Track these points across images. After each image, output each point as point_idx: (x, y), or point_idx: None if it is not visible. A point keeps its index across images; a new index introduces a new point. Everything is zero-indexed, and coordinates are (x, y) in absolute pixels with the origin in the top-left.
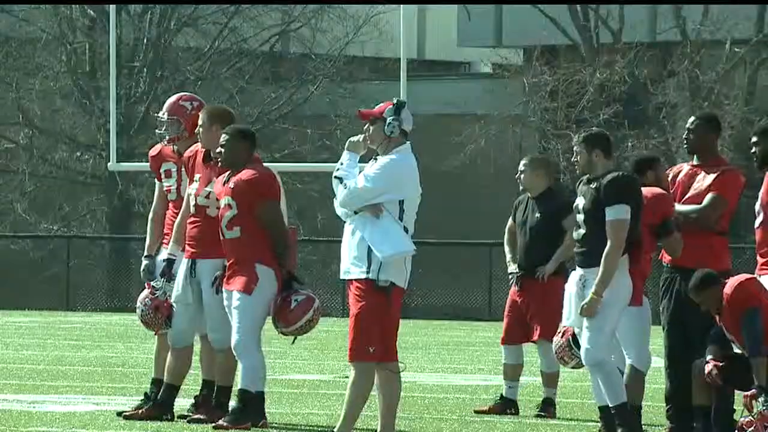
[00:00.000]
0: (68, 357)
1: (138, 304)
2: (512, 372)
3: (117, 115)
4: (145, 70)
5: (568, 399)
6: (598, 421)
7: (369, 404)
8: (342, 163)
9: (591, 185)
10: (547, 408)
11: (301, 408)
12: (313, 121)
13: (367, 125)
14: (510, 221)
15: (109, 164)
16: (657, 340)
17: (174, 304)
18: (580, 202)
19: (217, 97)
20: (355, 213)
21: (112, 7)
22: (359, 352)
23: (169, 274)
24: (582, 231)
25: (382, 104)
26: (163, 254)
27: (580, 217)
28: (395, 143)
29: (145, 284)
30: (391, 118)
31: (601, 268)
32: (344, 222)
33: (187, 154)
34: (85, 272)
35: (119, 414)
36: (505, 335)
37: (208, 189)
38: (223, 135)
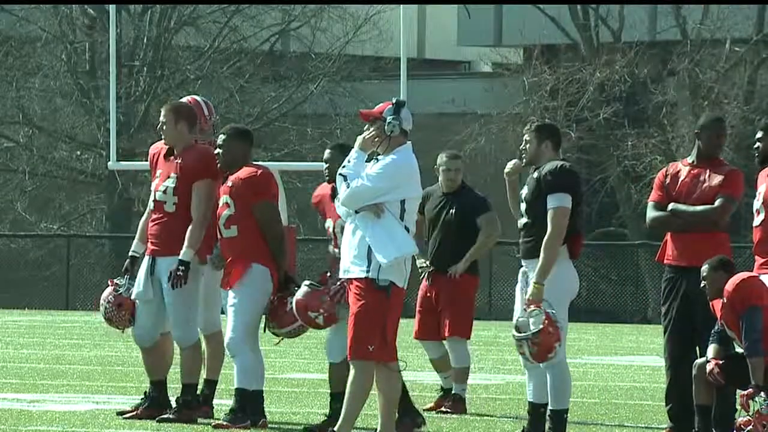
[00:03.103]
0: (68, 356)
1: (101, 301)
2: (442, 365)
3: (117, 115)
4: (145, 69)
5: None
6: (600, 423)
7: (369, 403)
8: (349, 161)
9: (533, 175)
10: (456, 404)
11: (301, 407)
12: (313, 120)
13: (367, 125)
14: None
15: (109, 163)
16: (657, 339)
17: (136, 302)
18: (523, 191)
19: (217, 96)
20: (356, 212)
21: (112, 7)
22: (359, 351)
23: (131, 271)
24: (524, 220)
25: (381, 104)
26: None
27: (523, 207)
28: (396, 143)
29: (108, 281)
30: (391, 117)
31: (541, 257)
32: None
33: (152, 151)
34: (85, 271)
35: (119, 413)
36: (419, 330)
37: (166, 184)
38: (221, 135)
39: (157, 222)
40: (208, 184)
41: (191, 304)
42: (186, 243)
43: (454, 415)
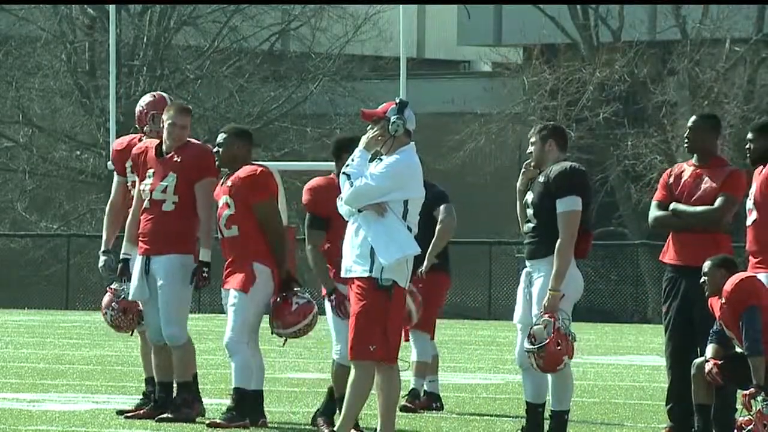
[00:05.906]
0: (68, 355)
1: (104, 310)
2: (420, 367)
3: (117, 114)
4: (144, 68)
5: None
6: (600, 423)
7: (369, 403)
8: (353, 160)
9: (539, 178)
10: (413, 400)
11: (301, 407)
12: (312, 119)
13: (370, 125)
14: None
15: (108, 163)
16: (657, 339)
17: (141, 303)
18: (529, 196)
19: (217, 96)
20: (359, 212)
21: (112, 6)
22: (360, 351)
23: (127, 274)
24: (531, 224)
25: (384, 104)
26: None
27: (530, 211)
28: (399, 143)
29: (107, 288)
30: (395, 117)
31: (555, 263)
32: (345, 221)
33: (135, 151)
34: (84, 271)
35: (119, 413)
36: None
37: (164, 183)
38: (221, 134)
39: (150, 221)
40: (211, 182)
41: (185, 303)
42: (202, 244)
43: (454, 415)
